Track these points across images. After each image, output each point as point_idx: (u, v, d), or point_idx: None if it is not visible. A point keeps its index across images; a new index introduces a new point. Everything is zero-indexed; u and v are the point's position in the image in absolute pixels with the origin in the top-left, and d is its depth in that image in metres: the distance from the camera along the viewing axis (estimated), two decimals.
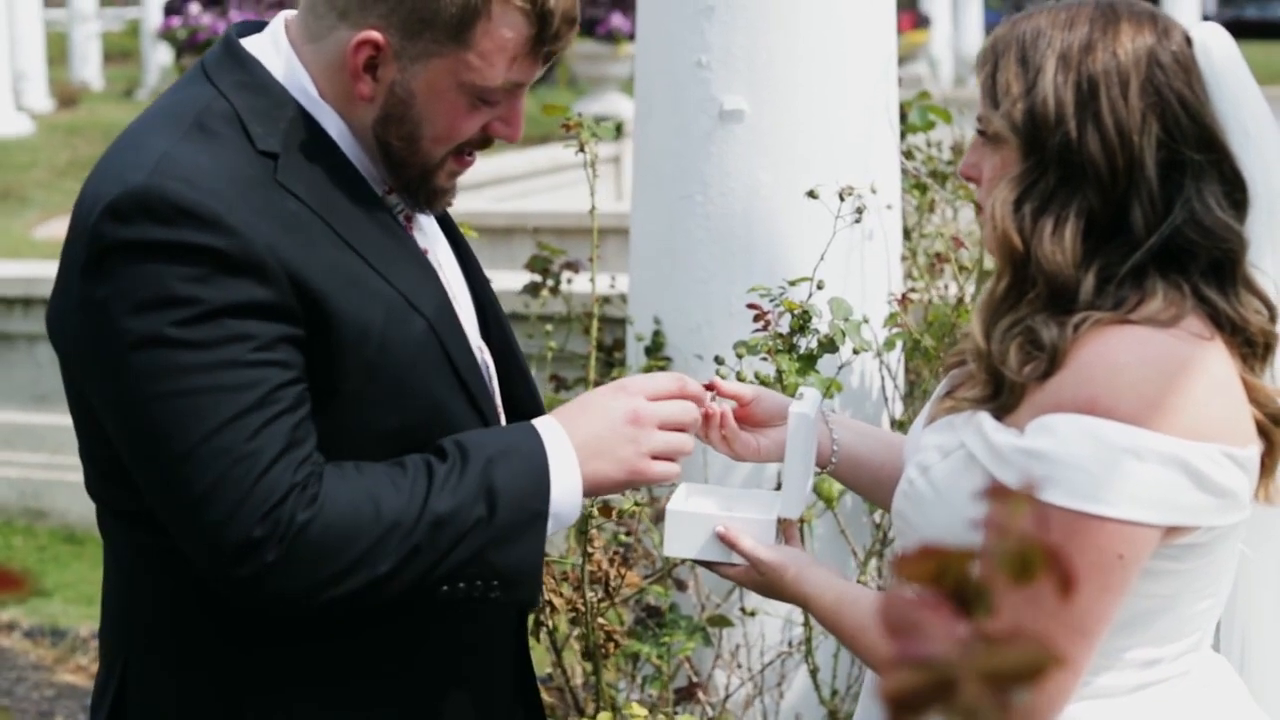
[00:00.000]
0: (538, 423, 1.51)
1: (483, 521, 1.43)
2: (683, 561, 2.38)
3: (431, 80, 1.46)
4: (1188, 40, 1.46)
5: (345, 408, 1.44)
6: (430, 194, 1.54)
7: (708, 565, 1.63)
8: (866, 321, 2.51)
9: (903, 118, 2.99)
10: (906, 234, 3.07)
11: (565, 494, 1.48)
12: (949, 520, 1.46)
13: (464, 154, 1.53)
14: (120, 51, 20.51)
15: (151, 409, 1.38)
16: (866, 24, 2.64)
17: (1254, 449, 1.44)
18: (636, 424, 1.51)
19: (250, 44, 1.51)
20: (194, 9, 9.36)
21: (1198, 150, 1.43)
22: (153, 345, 1.37)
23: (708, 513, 1.61)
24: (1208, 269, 1.45)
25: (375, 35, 1.44)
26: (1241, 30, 29.38)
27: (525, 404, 1.67)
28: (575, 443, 1.49)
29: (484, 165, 8.48)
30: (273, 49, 1.50)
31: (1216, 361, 1.42)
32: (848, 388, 2.61)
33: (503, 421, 1.61)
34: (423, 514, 1.41)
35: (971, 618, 0.47)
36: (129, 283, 1.38)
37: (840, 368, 2.49)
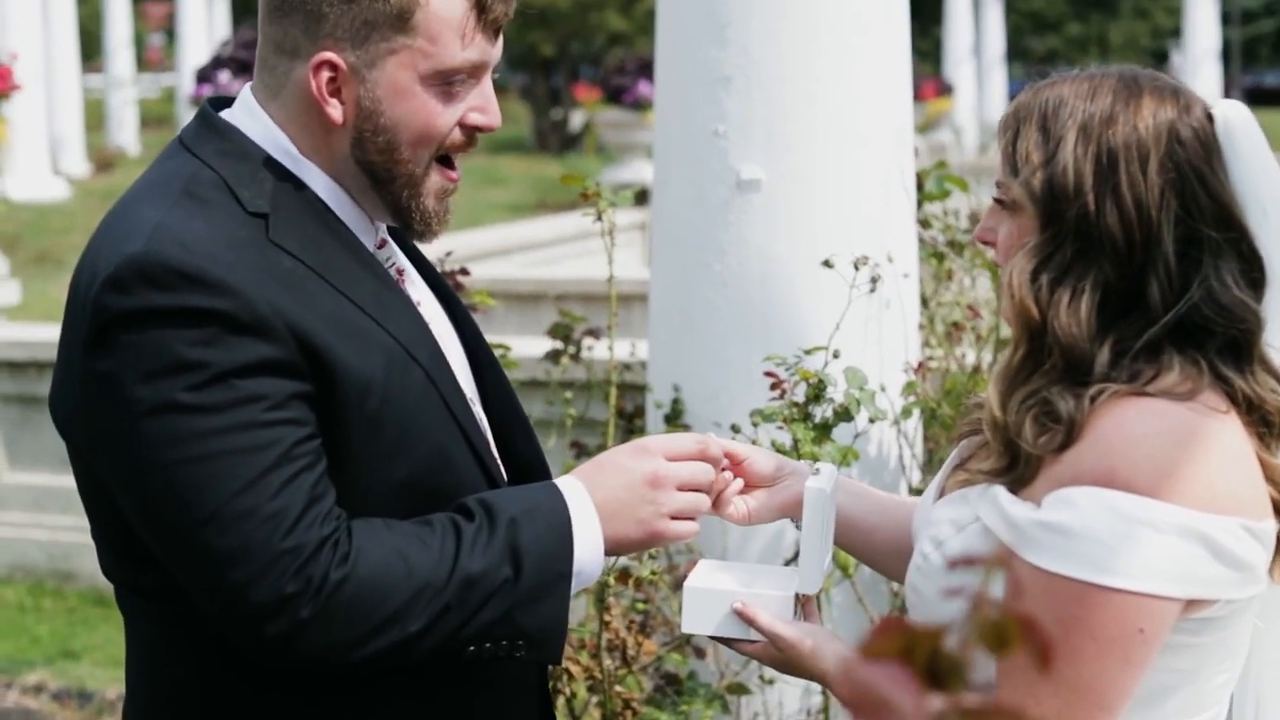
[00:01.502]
0: (560, 482, 1.52)
1: (509, 582, 1.43)
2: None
3: (393, 80, 1.48)
4: (1209, 116, 1.46)
5: (353, 462, 1.45)
6: (424, 216, 1.53)
7: (726, 642, 1.62)
8: (883, 390, 2.50)
9: (919, 186, 2.99)
10: (924, 302, 3.07)
11: (587, 553, 1.48)
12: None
13: (448, 165, 1.54)
14: (156, 117, 20.83)
15: (169, 476, 1.38)
16: (883, 93, 2.66)
17: (1271, 523, 1.42)
18: (656, 485, 1.51)
19: (226, 115, 1.54)
20: (224, 77, 9.51)
21: (1216, 228, 1.42)
22: (166, 412, 1.37)
23: (726, 589, 1.60)
24: (1224, 347, 1.44)
25: (329, 55, 1.47)
26: (1262, 97, 29.40)
27: (527, 457, 1.67)
28: (595, 501, 1.49)
29: (512, 231, 8.52)
30: (247, 116, 1.53)
31: (1232, 434, 1.41)
32: (866, 456, 2.60)
33: (502, 470, 1.61)
34: (453, 573, 1.41)
35: (946, 691, 0.46)
36: (135, 352, 1.38)
37: (856, 436, 2.48)
